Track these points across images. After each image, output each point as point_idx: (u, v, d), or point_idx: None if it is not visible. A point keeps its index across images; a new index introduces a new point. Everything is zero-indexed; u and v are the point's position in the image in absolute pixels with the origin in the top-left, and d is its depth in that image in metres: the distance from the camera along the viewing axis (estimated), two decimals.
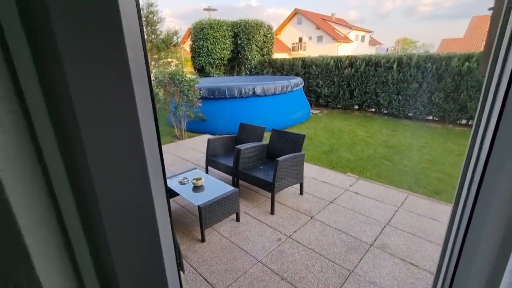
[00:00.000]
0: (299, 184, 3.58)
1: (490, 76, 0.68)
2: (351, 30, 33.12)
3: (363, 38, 35.70)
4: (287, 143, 3.62)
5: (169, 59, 14.38)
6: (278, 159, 3.04)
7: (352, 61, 9.51)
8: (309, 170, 4.38)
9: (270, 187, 3.10)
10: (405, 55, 8.36)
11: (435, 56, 7.74)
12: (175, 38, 13.93)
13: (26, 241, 0.33)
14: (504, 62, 0.63)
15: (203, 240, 2.67)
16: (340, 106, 10.24)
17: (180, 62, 16.01)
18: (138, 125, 0.42)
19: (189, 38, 14.38)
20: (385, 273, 2.22)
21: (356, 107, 9.89)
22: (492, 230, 0.71)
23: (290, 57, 12.26)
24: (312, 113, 9.42)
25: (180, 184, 3.09)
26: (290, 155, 3.21)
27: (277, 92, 7.60)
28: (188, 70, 15.63)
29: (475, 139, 0.75)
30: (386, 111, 9.05)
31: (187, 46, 16.89)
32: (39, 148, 0.36)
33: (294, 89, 8.26)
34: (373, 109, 9.52)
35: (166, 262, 0.52)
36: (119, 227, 0.42)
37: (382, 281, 2.15)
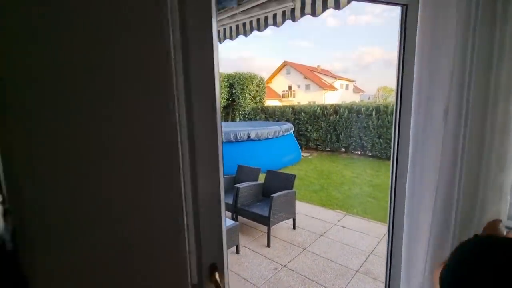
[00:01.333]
0: (292, 220, 3.95)
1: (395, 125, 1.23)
2: (335, 79, 36.15)
3: (347, 86, 38.78)
4: (280, 182, 4.09)
5: None
6: (272, 195, 3.48)
7: (336, 109, 10.54)
8: (302, 208, 4.77)
9: (266, 221, 3.48)
10: (381, 104, 9.42)
11: None
12: None
13: None
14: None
15: None
16: (329, 149, 10.97)
17: None
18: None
19: None
20: None
21: (343, 149, 10.64)
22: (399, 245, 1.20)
23: (281, 105, 13.38)
24: (303, 155, 10.06)
25: None
26: (283, 192, 3.66)
27: (269, 137, 8.29)
28: None
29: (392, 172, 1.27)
30: (370, 153, 9.77)
31: None
32: None
33: (285, 134, 9.00)
34: (358, 152, 10.26)
35: None
36: None
37: None
